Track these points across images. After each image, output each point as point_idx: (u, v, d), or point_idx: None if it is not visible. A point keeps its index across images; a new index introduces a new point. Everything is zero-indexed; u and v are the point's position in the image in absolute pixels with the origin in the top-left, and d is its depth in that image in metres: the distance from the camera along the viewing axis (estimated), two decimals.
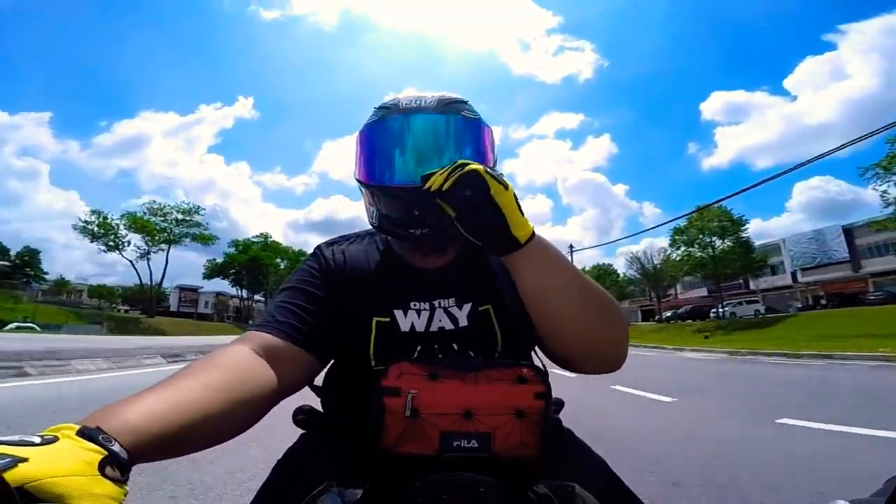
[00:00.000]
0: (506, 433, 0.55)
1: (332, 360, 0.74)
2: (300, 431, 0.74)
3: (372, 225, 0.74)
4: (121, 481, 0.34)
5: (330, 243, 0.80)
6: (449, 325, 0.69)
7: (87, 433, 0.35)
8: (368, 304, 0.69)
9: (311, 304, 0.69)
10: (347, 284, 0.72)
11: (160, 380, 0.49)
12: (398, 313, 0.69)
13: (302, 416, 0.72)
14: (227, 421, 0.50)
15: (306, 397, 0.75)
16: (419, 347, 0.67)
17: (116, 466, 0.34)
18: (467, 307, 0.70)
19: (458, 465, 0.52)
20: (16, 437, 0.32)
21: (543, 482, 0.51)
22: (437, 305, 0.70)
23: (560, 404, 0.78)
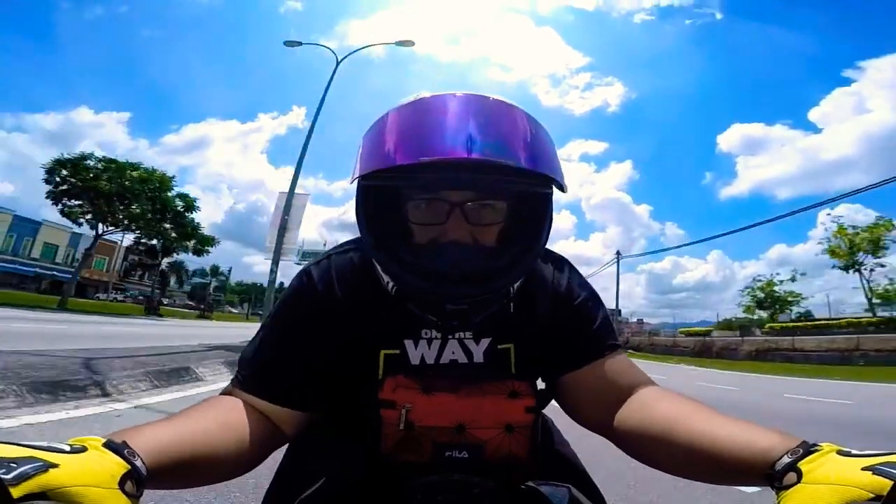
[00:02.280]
0: (496, 445, 0.56)
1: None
2: None
3: (387, 288, 0.60)
4: (136, 497, 0.36)
5: (319, 264, 0.66)
6: (462, 359, 0.64)
7: (112, 446, 0.37)
8: (375, 335, 0.63)
9: (297, 351, 0.61)
10: (347, 314, 0.63)
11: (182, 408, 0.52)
12: (408, 343, 0.63)
13: None
14: (233, 460, 0.52)
15: None
16: None
17: (135, 482, 0.36)
18: (485, 342, 0.65)
19: (451, 469, 0.54)
20: (45, 444, 0.34)
21: (537, 483, 0.53)
22: (450, 336, 0.64)
23: (549, 399, 0.75)
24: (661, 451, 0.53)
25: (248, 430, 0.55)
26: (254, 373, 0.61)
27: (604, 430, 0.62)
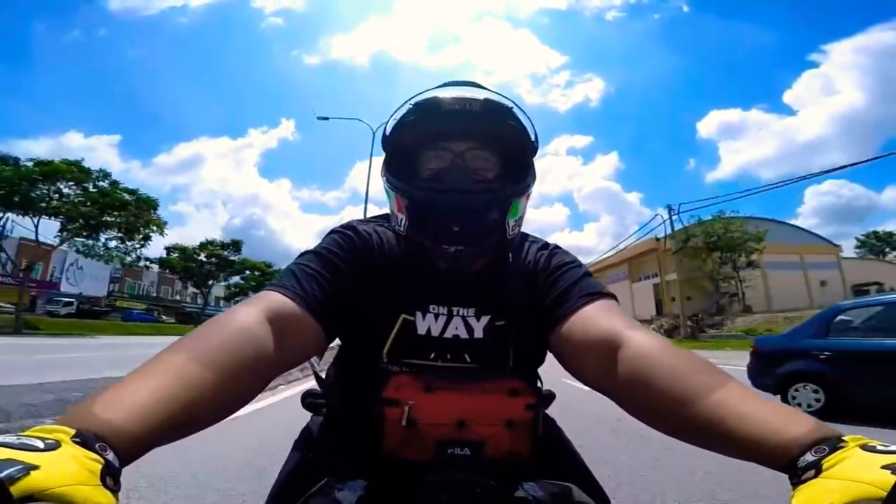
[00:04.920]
0: (496, 442, 0.56)
1: (340, 347, 0.73)
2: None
3: (398, 233, 0.69)
4: (115, 491, 0.34)
5: (364, 221, 0.75)
6: (464, 335, 0.67)
7: (83, 440, 0.34)
8: (397, 298, 0.67)
9: (335, 276, 0.64)
10: (379, 270, 0.68)
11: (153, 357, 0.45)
12: (418, 314, 0.67)
13: (310, 401, 0.72)
14: (223, 400, 0.47)
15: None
16: (433, 354, 0.66)
17: (112, 476, 0.34)
18: (485, 319, 0.69)
19: (452, 467, 0.54)
20: (16, 439, 0.32)
21: (539, 483, 0.52)
22: (455, 313, 0.68)
23: (551, 398, 0.76)
24: (674, 417, 0.49)
25: (249, 355, 0.50)
26: (289, 277, 0.63)
27: (604, 388, 0.59)
